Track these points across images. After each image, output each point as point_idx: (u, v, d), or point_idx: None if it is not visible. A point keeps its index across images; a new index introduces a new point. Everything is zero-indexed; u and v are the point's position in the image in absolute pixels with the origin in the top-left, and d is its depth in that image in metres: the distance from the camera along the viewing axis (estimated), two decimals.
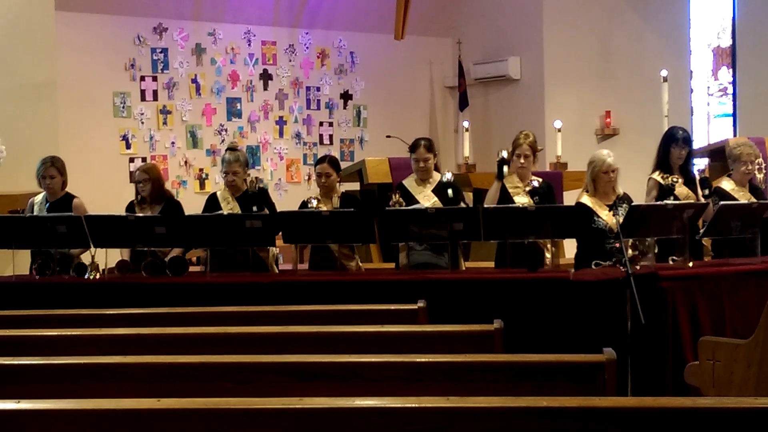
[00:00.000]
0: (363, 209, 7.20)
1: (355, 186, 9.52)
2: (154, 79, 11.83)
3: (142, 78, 11.75)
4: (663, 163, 7.34)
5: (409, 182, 7.29)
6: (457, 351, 4.26)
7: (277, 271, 7.52)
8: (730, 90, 12.40)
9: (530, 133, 7.35)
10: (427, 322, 5.35)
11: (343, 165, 8.78)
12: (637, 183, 7.87)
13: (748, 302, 6.38)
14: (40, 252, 7.17)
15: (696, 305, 6.28)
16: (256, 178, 7.39)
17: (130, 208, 7.40)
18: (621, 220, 6.52)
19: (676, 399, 3.25)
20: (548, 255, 7.11)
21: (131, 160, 11.56)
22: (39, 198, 7.53)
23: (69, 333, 4.96)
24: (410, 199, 7.15)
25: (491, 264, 7.48)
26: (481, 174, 10.01)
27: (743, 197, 7.26)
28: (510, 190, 7.17)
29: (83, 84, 11.17)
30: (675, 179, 7.19)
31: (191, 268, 7.58)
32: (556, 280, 6.52)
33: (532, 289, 6.45)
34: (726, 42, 12.45)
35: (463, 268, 7.37)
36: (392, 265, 7.73)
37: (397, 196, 7.12)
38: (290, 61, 12.80)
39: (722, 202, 6.93)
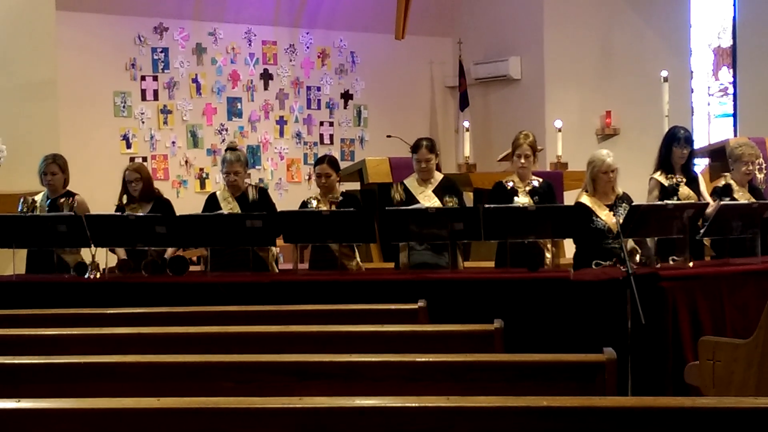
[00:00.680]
0: (363, 209, 7.20)
1: (355, 186, 9.52)
2: (155, 78, 11.83)
3: (143, 77, 11.75)
4: (665, 163, 7.34)
5: (410, 182, 7.29)
6: (458, 351, 4.27)
7: (277, 270, 7.52)
8: (731, 90, 12.39)
9: (530, 133, 7.35)
10: (428, 321, 5.35)
11: (344, 165, 8.80)
12: (637, 183, 7.87)
13: (748, 302, 6.38)
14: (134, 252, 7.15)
15: (696, 305, 6.28)
16: (257, 186, 7.42)
17: (120, 209, 7.38)
18: (621, 220, 6.52)
19: (676, 399, 3.25)
20: (548, 255, 7.11)
21: (132, 159, 11.54)
22: (39, 197, 7.53)
23: (69, 332, 4.96)
24: (411, 198, 7.15)
25: (491, 264, 7.48)
26: (481, 174, 10.01)
27: (743, 197, 7.26)
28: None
29: (84, 83, 11.17)
30: (680, 179, 7.18)
31: (191, 268, 7.57)
32: (557, 279, 6.52)
33: (533, 288, 6.45)
34: (726, 42, 12.45)
35: (462, 268, 7.36)
36: (392, 265, 7.73)
37: (399, 188, 7.11)
38: (291, 60, 12.80)
39: (722, 202, 6.93)
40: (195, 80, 12.11)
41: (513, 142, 7.32)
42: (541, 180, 7.32)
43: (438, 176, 7.33)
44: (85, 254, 7.25)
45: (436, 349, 4.34)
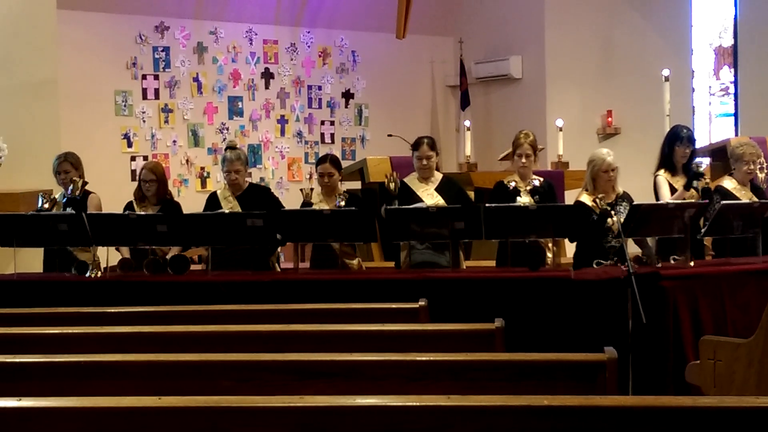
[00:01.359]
0: (364, 208, 7.20)
1: (356, 185, 9.52)
2: (156, 77, 11.84)
3: (144, 76, 11.75)
4: (667, 162, 7.35)
5: (411, 180, 7.29)
6: (459, 350, 4.27)
7: (278, 269, 7.53)
8: (732, 89, 12.39)
9: (530, 133, 7.35)
10: (429, 320, 5.35)
11: (345, 164, 8.79)
12: (638, 182, 7.87)
13: (749, 301, 6.38)
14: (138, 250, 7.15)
15: (697, 304, 6.28)
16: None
17: (129, 206, 7.40)
18: (621, 219, 6.52)
19: (677, 398, 3.25)
20: (549, 254, 7.11)
21: (133, 158, 11.57)
22: (59, 194, 7.54)
23: (70, 331, 4.96)
24: (412, 197, 7.15)
25: (492, 263, 7.48)
26: (482, 173, 10.01)
27: (745, 196, 7.26)
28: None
29: (85, 82, 11.17)
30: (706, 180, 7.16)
31: (192, 267, 7.57)
32: (558, 279, 6.52)
33: (534, 288, 6.45)
34: (728, 41, 12.44)
35: (464, 267, 7.36)
36: (393, 264, 7.73)
37: (395, 176, 7.09)
38: (292, 59, 12.80)
39: (723, 202, 6.93)
40: (196, 79, 12.11)
41: (513, 142, 7.32)
42: (542, 179, 7.32)
43: (438, 175, 7.33)
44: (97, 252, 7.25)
45: (436, 348, 4.34)
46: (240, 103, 12.43)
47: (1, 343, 4.74)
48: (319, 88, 13.02)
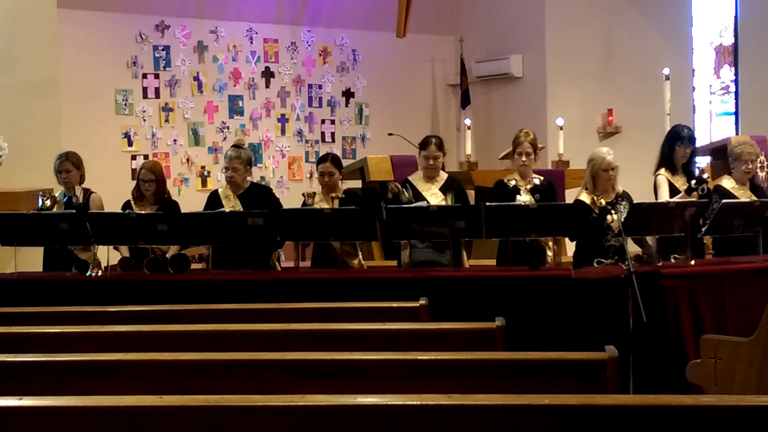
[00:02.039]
0: (365, 207, 7.20)
1: (357, 184, 9.52)
2: (156, 76, 11.83)
3: (144, 75, 11.75)
4: (667, 161, 7.35)
5: (416, 179, 7.29)
6: (459, 349, 4.27)
7: (279, 268, 7.53)
8: (733, 88, 12.38)
9: (530, 132, 7.35)
10: (429, 319, 5.35)
11: (345, 163, 8.78)
12: (639, 181, 7.87)
13: (749, 300, 6.39)
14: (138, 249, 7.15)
15: (698, 303, 6.28)
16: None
17: (127, 205, 7.40)
18: (621, 218, 6.52)
19: (677, 397, 3.25)
20: (550, 253, 7.11)
21: (133, 157, 11.56)
22: (58, 193, 7.54)
23: (71, 330, 4.97)
24: (417, 195, 7.15)
25: (493, 262, 7.48)
26: (482, 172, 10.00)
27: (743, 195, 7.26)
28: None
29: (85, 81, 11.17)
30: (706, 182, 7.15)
31: (193, 266, 7.58)
32: (558, 277, 6.52)
33: (534, 286, 6.45)
34: (728, 40, 12.43)
35: (467, 266, 7.36)
36: (394, 263, 7.73)
37: (407, 188, 7.10)
38: (292, 58, 12.80)
39: (724, 200, 6.93)
40: (196, 78, 12.11)
41: (514, 141, 7.32)
42: (542, 178, 7.32)
43: (443, 175, 7.34)
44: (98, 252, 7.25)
45: (437, 347, 4.34)
46: (240, 102, 12.43)
47: (2, 342, 4.75)
48: (320, 87, 13.01)
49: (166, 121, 11.90)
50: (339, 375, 3.94)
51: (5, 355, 4.20)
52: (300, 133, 12.84)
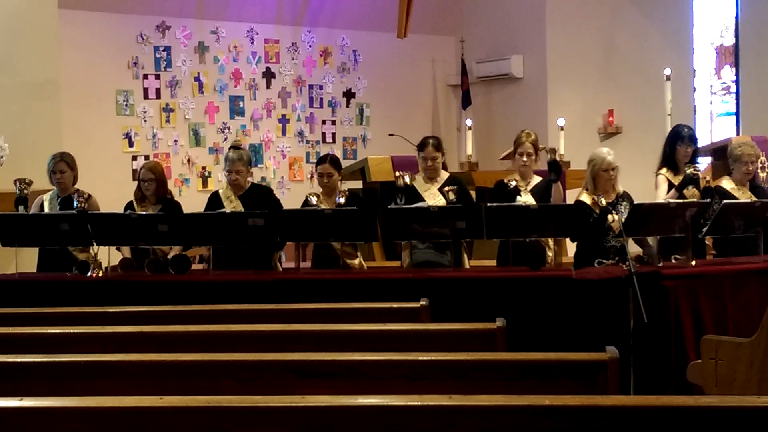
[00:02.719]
0: (366, 207, 7.20)
1: (357, 184, 9.51)
2: (157, 77, 11.84)
3: (145, 76, 11.75)
4: (669, 161, 7.35)
5: (416, 180, 7.29)
6: (460, 349, 4.27)
7: (280, 269, 7.53)
8: (733, 89, 12.39)
9: (532, 132, 7.34)
10: (430, 320, 5.35)
11: (346, 163, 8.80)
12: (640, 181, 7.87)
13: (750, 301, 6.38)
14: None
15: (699, 304, 6.28)
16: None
17: (129, 206, 7.41)
18: (622, 219, 6.52)
19: (678, 398, 3.25)
20: (550, 253, 7.10)
21: (134, 158, 11.57)
22: (48, 196, 7.54)
23: (72, 331, 4.97)
24: (417, 196, 7.15)
25: (493, 262, 7.47)
26: (483, 172, 10.00)
27: (743, 196, 7.26)
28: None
29: (86, 82, 11.17)
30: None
31: (194, 266, 7.58)
32: (559, 278, 6.52)
33: (535, 287, 6.45)
34: (729, 40, 12.44)
35: (467, 266, 7.36)
36: (395, 264, 7.73)
37: (405, 177, 7.09)
38: (293, 59, 12.80)
39: (725, 201, 6.93)
40: (197, 79, 12.11)
41: (515, 141, 7.31)
42: (542, 179, 7.31)
43: (444, 175, 7.33)
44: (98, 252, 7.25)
45: (438, 348, 4.34)
46: (241, 103, 12.43)
47: (3, 343, 4.75)
48: (320, 87, 13.02)
49: (167, 121, 11.90)
50: (340, 375, 3.94)
51: (6, 355, 4.20)
52: (301, 133, 12.84)
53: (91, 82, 11.26)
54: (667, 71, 9.83)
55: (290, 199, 10.46)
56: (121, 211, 7.31)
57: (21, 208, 7.15)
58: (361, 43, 13.22)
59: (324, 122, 13.04)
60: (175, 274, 6.87)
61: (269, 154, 12.60)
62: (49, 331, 4.98)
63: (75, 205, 7.17)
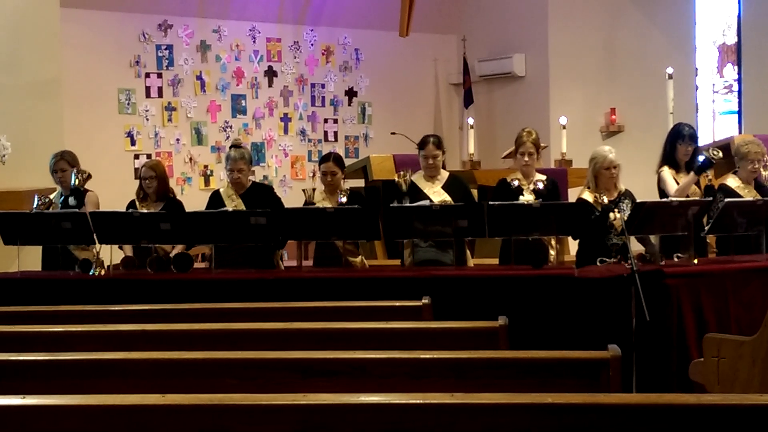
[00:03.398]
0: (368, 206, 7.20)
1: (360, 183, 9.52)
2: (159, 75, 11.84)
3: (147, 75, 11.76)
4: (669, 160, 7.35)
5: (417, 178, 7.29)
6: (462, 347, 4.27)
7: (282, 267, 7.53)
8: (736, 87, 12.38)
9: (533, 131, 7.34)
10: (432, 318, 5.35)
11: (348, 162, 8.79)
12: (642, 180, 7.87)
13: (753, 299, 6.38)
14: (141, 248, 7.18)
15: (701, 302, 6.28)
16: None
17: (132, 205, 7.41)
18: (624, 217, 6.52)
19: (680, 396, 3.25)
20: (552, 252, 7.10)
21: (136, 156, 11.57)
22: (54, 195, 7.54)
23: (74, 329, 4.97)
24: (418, 194, 7.15)
25: (495, 261, 7.48)
26: (485, 171, 10.01)
27: (749, 195, 7.26)
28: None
29: (88, 81, 11.18)
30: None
31: (196, 265, 7.58)
32: (561, 276, 6.51)
33: (537, 285, 6.45)
34: (731, 39, 12.43)
35: (471, 264, 7.36)
36: (397, 262, 7.73)
37: (406, 174, 7.08)
38: (295, 58, 12.80)
39: (727, 199, 6.93)
40: (199, 77, 12.12)
41: (516, 140, 7.31)
42: (545, 177, 7.31)
43: (444, 174, 7.33)
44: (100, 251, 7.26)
45: (440, 346, 4.34)
46: (243, 101, 12.44)
47: (5, 341, 4.75)
48: (323, 86, 13.02)
49: (169, 120, 11.91)
50: (342, 374, 3.94)
51: (9, 354, 4.21)
52: (303, 132, 12.84)
53: (93, 80, 11.26)
54: (670, 70, 9.82)
55: (292, 197, 10.47)
56: (123, 210, 7.31)
57: (71, 199, 7.19)
58: (363, 41, 13.22)
59: (326, 121, 13.05)
60: (177, 273, 6.87)
61: (271, 152, 12.60)
62: (51, 330, 4.98)
63: (73, 182, 7.17)
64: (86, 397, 3.35)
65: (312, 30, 12.91)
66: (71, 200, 7.28)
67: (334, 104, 13.11)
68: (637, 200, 6.85)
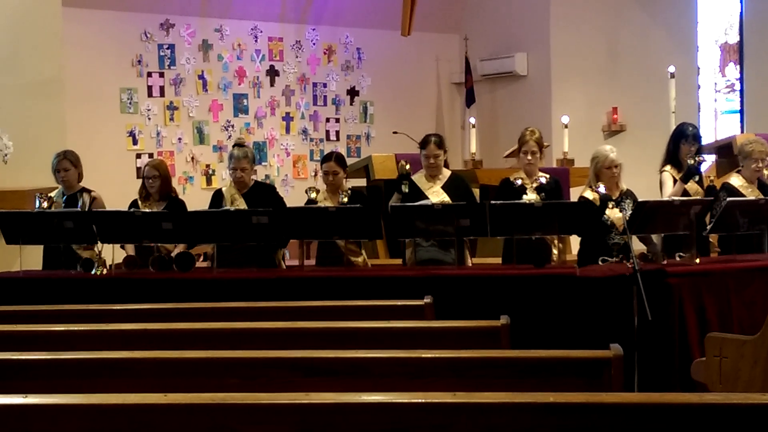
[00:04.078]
0: (369, 205, 7.20)
1: (361, 182, 9.52)
2: (161, 75, 11.84)
3: (149, 74, 11.76)
4: (673, 159, 7.35)
5: (419, 178, 7.29)
6: (464, 347, 4.27)
7: (284, 266, 7.53)
8: (738, 86, 12.38)
9: (536, 130, 7.34)
10: (434, 317, 5.35)
11: (350, 161, 8.79)
12: (644, 179, 7.87)
13: (755, 298, 6.38)
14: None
15: (703, 301, 6.28)
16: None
17: (134, 204, 7.42)
18: (626, 216, 6.52)
19: (682, 395, 3.25)
20: (555, 251, 7.10)
21: (138, 156, 11.58)
22: (55, 193, 7.55)
23: (76, 328, 4.97)
24: (419, 194, 7.15)
25: (498, 260, 7.47)
26: (487, 170, 10.01)
27: (752, 194, 7.25)
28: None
29: (90, 80, 11.18)
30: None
31: (198, 264, 7.58)
32: (563, 276, 6.51)
33: (539, 285, 6.45)
34: (733, 38, 12.43)
35: (470, 264, 7.36)
36: (399, 261, 7.73)
37: (405, 166, 7.08)
38: (297, 57, 12.81)
39: (730, 198, 6.92)
40: (201, 77, 12.12)
41: (519, 139, 7.31)
42: (548, 177, 7.31)
43: (446, 173, 7.33)
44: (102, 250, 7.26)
45: (442, 346, 4.34)
46: (245, 101, 12.44)
47: (7, 340, 4.76)
48: (324, 85, 13.02)
49: (171, 119, 11.91)
50: (344, 373, 3.94)
51: (10, 353, 4.21)
52: (305, 131, 12.85)
53: (95, 80, 11.26)
54: (672, 69, 9.82)
55: (294, 196, 10.47)
56: (126, 209, 7.31)
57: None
58: (365, 41, 13.22)
59: (328, 120, 13.05)
60: (179, 272, 6.88)
61: (273, 151, 12.60)
62: (53, 329, 4.98)
63: (80, 205, 7.19)
64: (88, 397, 3.35)
65: (314, 29, 12.91)
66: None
67: (335, 103, 13.11)
68: (639, 200, 6.85)
